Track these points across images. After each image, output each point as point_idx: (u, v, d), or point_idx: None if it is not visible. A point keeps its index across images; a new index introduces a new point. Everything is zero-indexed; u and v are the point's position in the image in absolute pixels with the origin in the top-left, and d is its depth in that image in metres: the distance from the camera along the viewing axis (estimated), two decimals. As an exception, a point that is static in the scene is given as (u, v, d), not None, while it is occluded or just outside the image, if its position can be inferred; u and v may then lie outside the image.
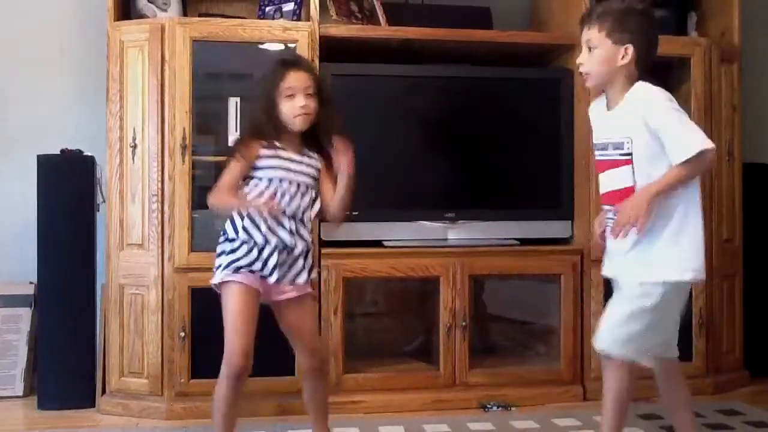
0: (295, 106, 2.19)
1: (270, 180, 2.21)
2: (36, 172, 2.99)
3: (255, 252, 2.19)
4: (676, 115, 2.03)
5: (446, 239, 3.13)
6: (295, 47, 2.95)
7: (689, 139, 2.00)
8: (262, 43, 2.99)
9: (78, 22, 3.38)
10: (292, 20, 3.09)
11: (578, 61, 2.14)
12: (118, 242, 2.92)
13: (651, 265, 2.05)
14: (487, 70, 3.25)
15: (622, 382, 2.08)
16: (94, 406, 2.97)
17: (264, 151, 2.22)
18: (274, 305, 2.28)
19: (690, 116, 3.18)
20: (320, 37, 2.98)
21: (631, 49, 2.06)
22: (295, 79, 2.20)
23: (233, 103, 2.97)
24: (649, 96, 2.06)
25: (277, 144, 2.23)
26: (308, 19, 3.01)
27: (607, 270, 2.22)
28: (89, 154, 3.07)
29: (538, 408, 3.02)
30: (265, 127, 2.22)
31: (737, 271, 3.35)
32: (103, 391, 2.97)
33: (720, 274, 3.27)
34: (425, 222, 3.11)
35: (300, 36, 2.95)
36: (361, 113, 2.99)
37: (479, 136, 3.21)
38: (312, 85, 2.22)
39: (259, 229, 2.19)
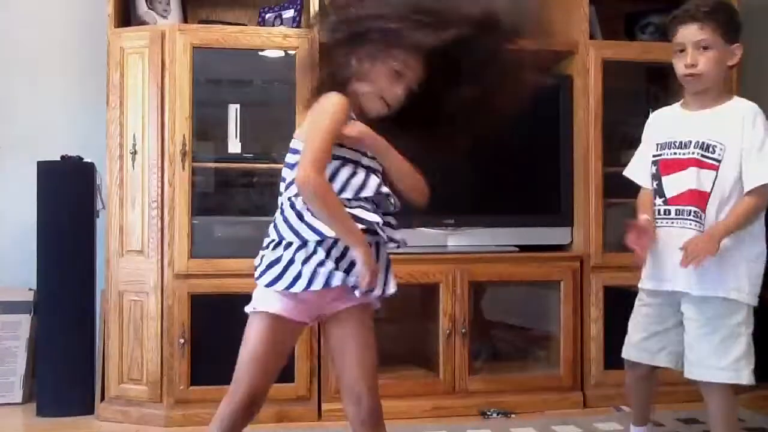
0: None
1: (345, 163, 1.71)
2: (36, 178, 2.99)
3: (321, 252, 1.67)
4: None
5: (446, 246, 3.13)
6: (295, 54, 2.96)
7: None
8: (263, 50, 2.99)
9: (78, 29, 3.39)
10: (293, 27, 3.10)
11: (688, 62, 2.02)
12: (117, 248, 2.92)
13: (732, 284, 2.00)
14: (486, 76, 3.26)
15: (731, 402, 2.04)
16: (93, 413, 2.96)
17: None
18: (322, 323, 1.80)
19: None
20: (320, 44, 2.98)
21: (740, 49, 2.00)
22: None
23: (233, 110, 2.97)
24: (755, 111, 2.02)
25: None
26: (308, 26, 3.01)
27: (668, 284, 2.10)
28: (89, 160, 3.08)
29: (537, 415, 3.01)
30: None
31: (737, 277, 3.34)
32: (102, 398, 2.97)
33: (720, 281, 3.26)
34: (425, 228, 3.11)
35: (300, 43, 2.95)
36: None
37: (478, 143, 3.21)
38: None
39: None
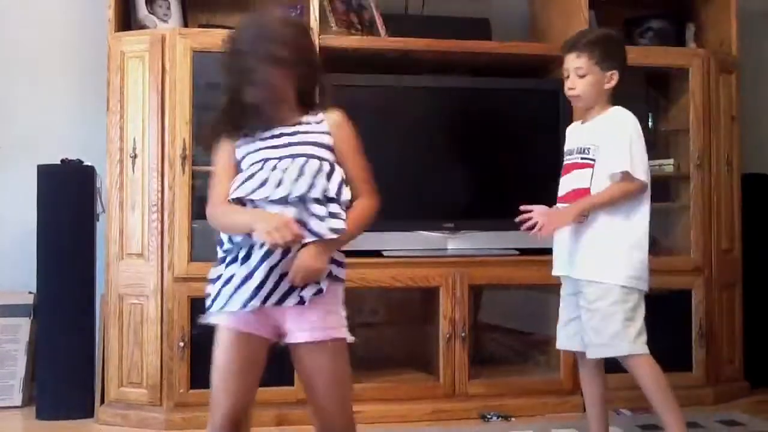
0: None
1: (251, 166, 1.76)
2: (36, 181, 3.00)
3: (239, 267, 1.75)
4: (635, 137, 2.25)
5: (446, 249, 3.13)
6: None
7: (632, 159, 2.22)
8: (262, 54, 2.99)
9: (79, 33, 3.39)
10: (292, 31, 3.10)
11: (568, 86, 2.32)
12: (117, 252, 2.92)
13: (601, 269, 2.25)
14: (486, 80, 3.27)
15: (654, 369, 2.23)
16: (92, 417, 2.96)
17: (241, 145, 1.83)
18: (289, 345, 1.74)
19: (689, 126, 3.25)
20: (320, 48, 2.98)
21: (616, 75, 2.31)
22: None
23: (233, 114, 2.97)
24: (621, 115, 2.30)
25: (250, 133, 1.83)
26: (308, 29, 3.02)
27: (558, 270, 2.42)
28: (89, 164, 3.08)
29: (537, 418, 3.01)
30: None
31: (737, 280, 3.36)
32: (102, 401, 2.97)
33: (719, 284, 3.27)
34: (425, 232, 3.12)
35: (300, 47, 2.96)
36: (360, 123, 2.98)
37: (478, 147, 3.22)
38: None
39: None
